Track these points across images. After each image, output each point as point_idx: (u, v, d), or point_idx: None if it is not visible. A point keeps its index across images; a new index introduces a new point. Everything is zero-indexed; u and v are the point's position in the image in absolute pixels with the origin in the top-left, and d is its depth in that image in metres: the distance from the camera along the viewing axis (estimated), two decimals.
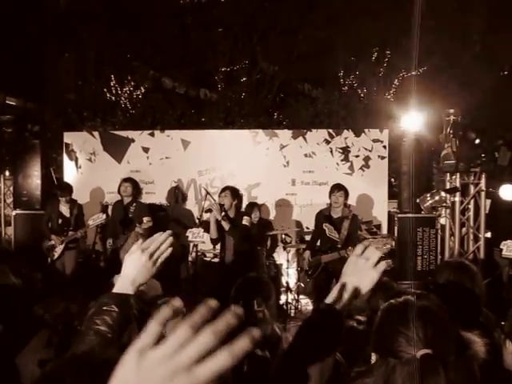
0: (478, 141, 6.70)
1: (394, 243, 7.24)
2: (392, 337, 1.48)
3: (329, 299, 1.42)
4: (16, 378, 1.46)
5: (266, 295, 2.61)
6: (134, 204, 6.81)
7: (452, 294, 2.05)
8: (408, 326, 1.46)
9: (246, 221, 5.74)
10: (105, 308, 1.45)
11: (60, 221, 6.79)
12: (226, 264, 5.86)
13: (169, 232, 1.53)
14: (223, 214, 5.67)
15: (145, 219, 6.47)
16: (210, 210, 5.77)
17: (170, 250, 1.54)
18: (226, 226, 5.61)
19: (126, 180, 6.99)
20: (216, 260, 6.88)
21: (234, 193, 5.89)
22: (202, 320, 0.68)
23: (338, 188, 6.08)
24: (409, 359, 1.43)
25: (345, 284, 1.44)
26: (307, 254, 6.32)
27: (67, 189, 6.95)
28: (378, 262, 1.46)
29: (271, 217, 8.18)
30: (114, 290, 1.51)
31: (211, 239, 5.85)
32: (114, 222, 6.78)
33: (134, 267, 1.50)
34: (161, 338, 0.69)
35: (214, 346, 0.66)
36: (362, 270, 1.45)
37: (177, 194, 8.32)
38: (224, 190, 5.93)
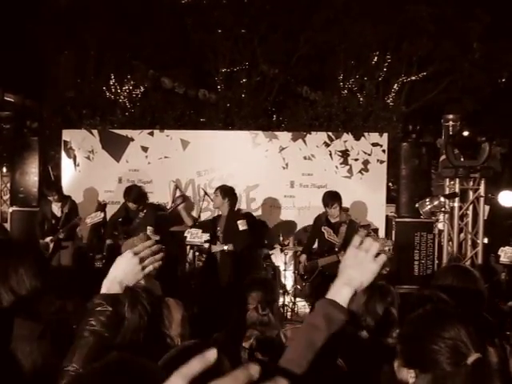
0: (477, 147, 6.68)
1: (391, 245, 7.25)
2: (432, 346, 1.41)
3: (331, 294, 1.35)
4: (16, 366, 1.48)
5: (270, 298, 2.54)
6: (145, 210, 6.56)
7: (457, 298, 2.02)
8: (449, 330, 1.40)
9: (241, 225, 5.88)
10: (98, 308, 1.50)
11: (53, 220, 6.74)
12: (224, 266, 5.86)
13: (150, 228, 1.59)
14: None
15: (149, 229, 6.22)
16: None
17: (160, 263, 1.58)
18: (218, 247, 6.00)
19: (141, 207, 6.55)
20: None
21: (225, 192, 6.13)
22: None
23: (331, 201, 5.95)
24: (458, 369, 1.36)
25: (347, 277, 1.36)
26: (303, 257, 6.28)
27: (52, 187, 6.87)
28: (378, 254, 1.39)
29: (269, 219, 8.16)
30: (103, 291, 1.56)
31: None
32: (116, 222, 6.58)
33: (123, 269, 1.55)
34: None
35: None
36: (362, 263, 1.37)
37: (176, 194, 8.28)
38: (216, 190, 6.28)
